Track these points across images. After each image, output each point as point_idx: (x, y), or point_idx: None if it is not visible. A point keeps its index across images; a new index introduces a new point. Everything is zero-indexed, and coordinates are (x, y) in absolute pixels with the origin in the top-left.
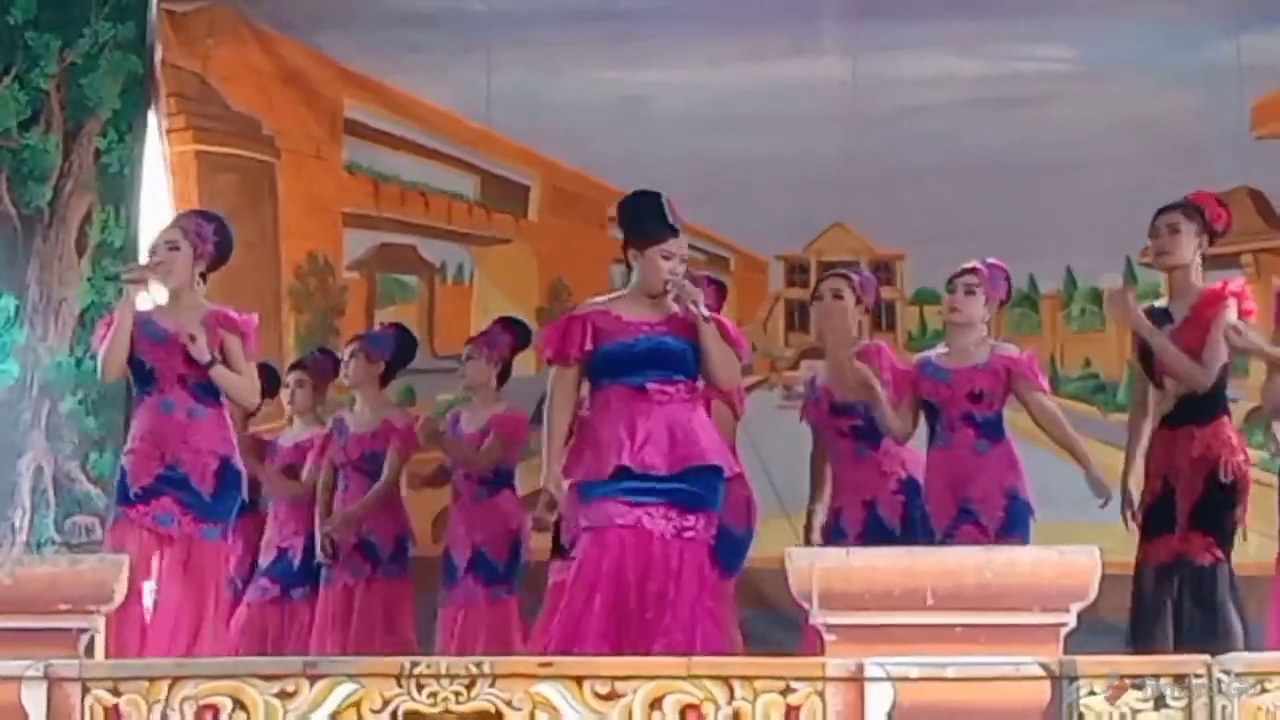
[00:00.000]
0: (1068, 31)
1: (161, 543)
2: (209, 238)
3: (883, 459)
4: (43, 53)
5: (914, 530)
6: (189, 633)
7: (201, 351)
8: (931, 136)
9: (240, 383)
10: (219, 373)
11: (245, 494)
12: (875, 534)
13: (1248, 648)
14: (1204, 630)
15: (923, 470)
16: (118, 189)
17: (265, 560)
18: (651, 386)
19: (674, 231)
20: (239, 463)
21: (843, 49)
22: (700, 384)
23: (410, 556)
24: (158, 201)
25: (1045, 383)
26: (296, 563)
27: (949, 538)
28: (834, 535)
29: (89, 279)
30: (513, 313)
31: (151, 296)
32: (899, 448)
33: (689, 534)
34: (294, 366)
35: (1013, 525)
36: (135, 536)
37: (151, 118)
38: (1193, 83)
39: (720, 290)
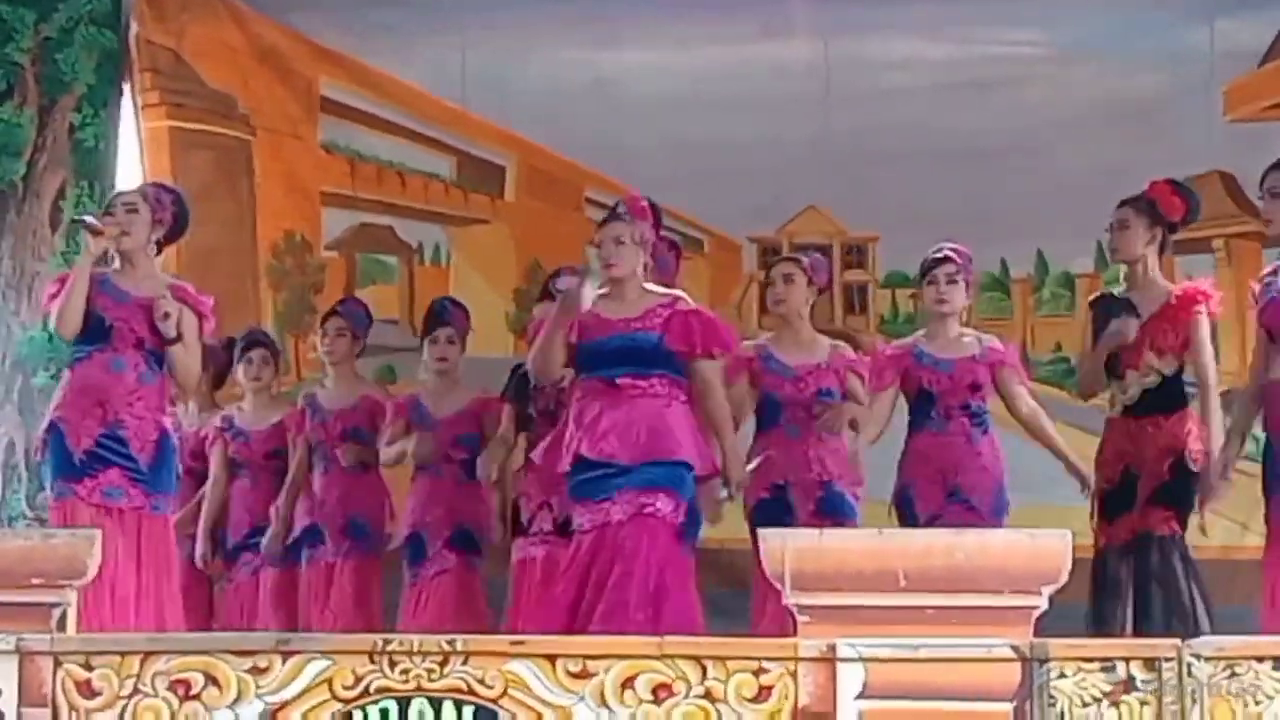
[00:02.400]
0: (1039, 14)
1: (111, 517)
2: (167, 205)
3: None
4: (17, 27)
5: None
6: (152, 609)
7: (170, 328)
8: (902, 119)
9: (189, 364)
10: (177, 352)
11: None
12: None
13: (1217, 630)
14: (1165, 607)
15: (844, 472)
16: (92, 164)
17: (237, 538)
18: (623, 380)
19: (608, 220)
20: (175, 437)
21: (813, 31)
22: (680, 378)
23: (385, 535)
24: (132, 177)
25: (1027, 376)
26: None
27: (934, 521)
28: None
29: (62, 253)
30: (490, 293)
31: (106, 257)
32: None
33: (649, 510)
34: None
35: (999, 514)
36: (85, 514)
37: (126, 93)
38: (1164, 66)
39: (675, 249)
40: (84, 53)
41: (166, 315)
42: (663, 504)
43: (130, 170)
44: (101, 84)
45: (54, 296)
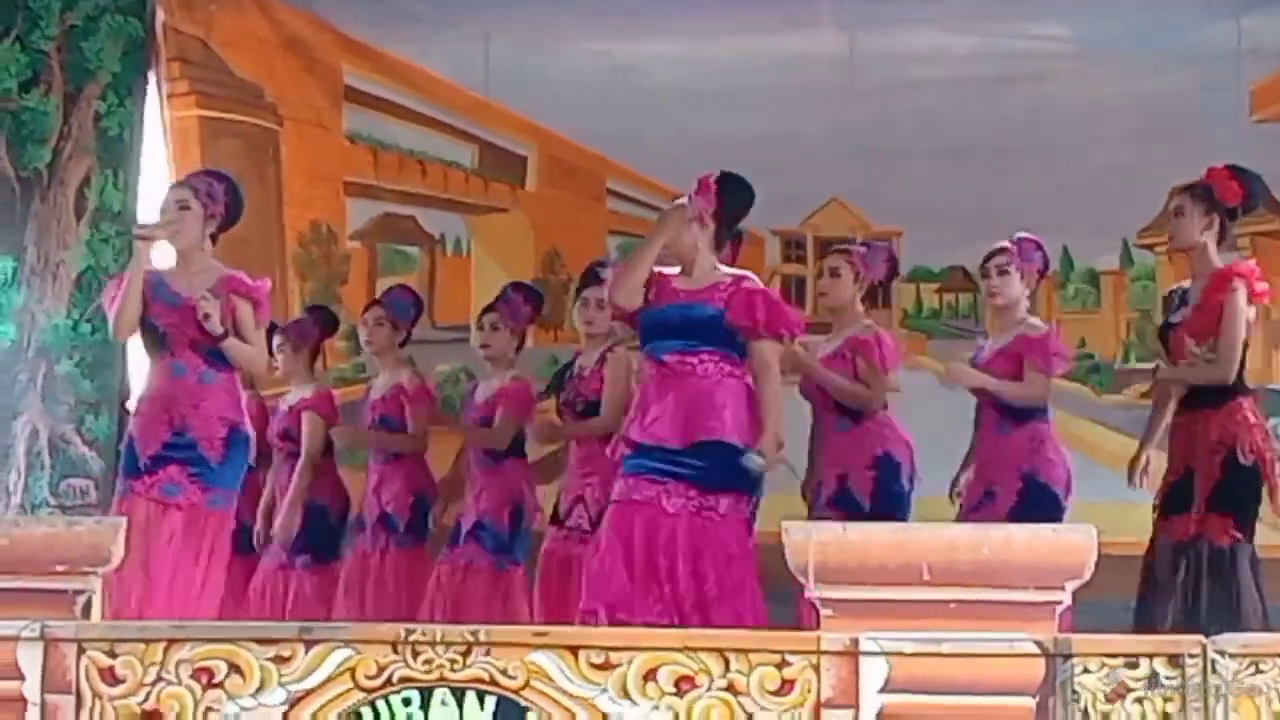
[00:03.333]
0: (1064, 10)
1: (168, 511)
2: (220, 198)
3: (863, 435)
4: (43, 14)
5: (886, 507)
6: (192, 600)
7: (215, 326)
8: (927, 113)
9: (251, 353)
10: (231, 344)
11: (250, 459)
12: (844, 508)
13: (1269, 629)
14: (1222, 610)
15: (906, 449)
16: (117, 152)
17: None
18: (670, 358)
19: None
20: (248, 428)
21: (838, 24)
22: (732, 354)
23: (430, 525)
24: (157, 166)
25: (1055, 363)
26: (295, 530)
27: (970, 515)
28: (811, 508)
29: (87, 242)
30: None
31: (160, 256)
32: (883, 425)
33: (708, 513)
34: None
35: (1029, 508)
36: (142, 509)
37: (151, 82)
38: (1190, 64)
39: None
40: (109, 41)
41: (207, 316)
42: (724, 505)
43: (155, 159)
44: (127, 72)
45: (113, 299)
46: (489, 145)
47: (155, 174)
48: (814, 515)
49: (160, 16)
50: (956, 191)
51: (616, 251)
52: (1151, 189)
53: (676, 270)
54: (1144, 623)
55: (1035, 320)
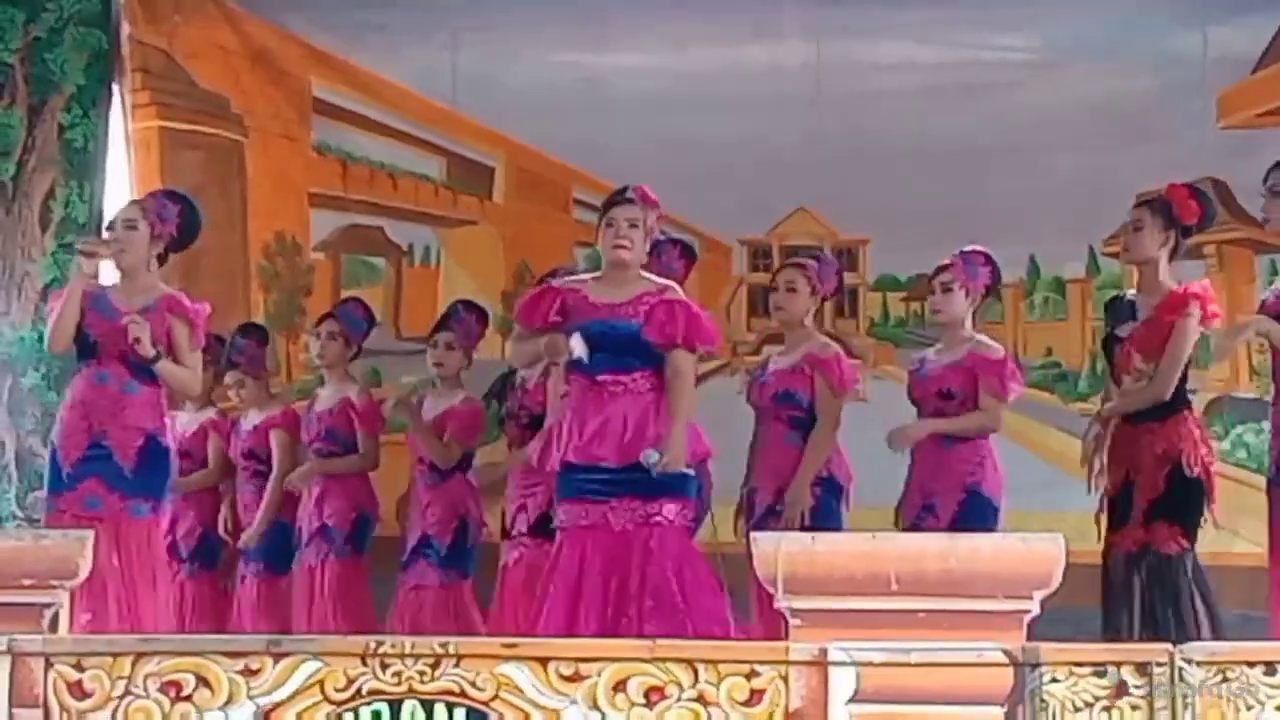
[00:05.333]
0: (1031, 18)
1: (91, 525)
2: (170, 219)
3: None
4: (6, 26)
5: (821, 526)
6: (138, 613)
7: (146, 349)
8: (894, 122)
9: (183, 375)
10: (164, 368)
11: (174, 470)
12: (780, 519)
13: (1220, 637)
14: (1170, 619)
15: (844, 470)
16: (81, 164)
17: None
18: (604, 377)
19: (620, 202)
20: (168, 440)
21: (804, 33)
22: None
23: (371, 537)
24: (121, 178)
25: (1011, 388)
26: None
27: (912, 529)
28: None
29: (52, 254)
30: (478, 295)
31: (106, 272)
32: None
33: (656, 519)
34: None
35: (969, 520)
36: (67, 524)
37: (116, 93)
38: (1157, 71)
39: (687, 256)
40: (73, 53)
41: (138, 341)
42: (669, 510)
43: (119, 171)
44: (91, 84)
45: (52, 310)
46: (457, 157)
47: (120, 186)
48: (750, 521)
49: (124, 28)
50: (923, 200)
51: (585, 262)
52: (1118, 197)
53: (586, 279)
54: (1111, 632)
55: (988, 340)
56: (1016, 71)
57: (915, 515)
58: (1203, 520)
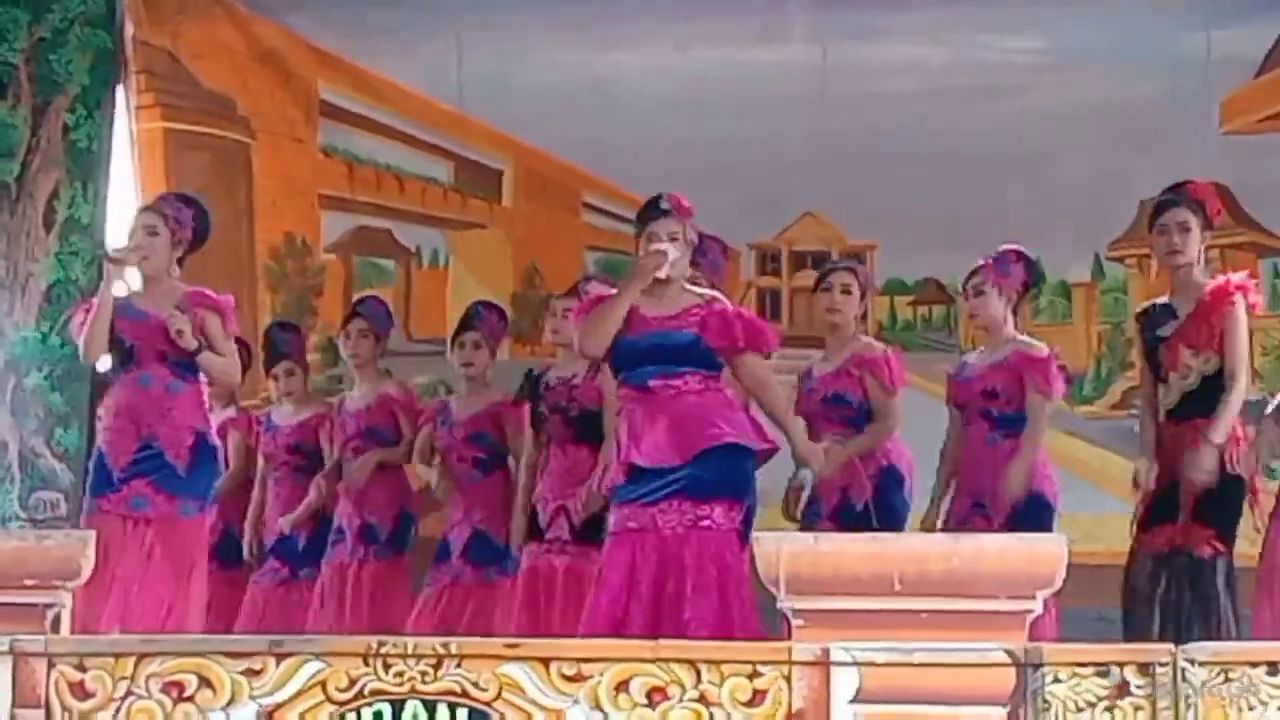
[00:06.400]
0: (1037, 21)
1: (139, 525)
2: (187, 223)
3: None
4: (11, 27)
5: (882, 517)
6: (171, 611)
7: (189, 340)
8: (900, 125)
9: (225, 364)
10: (206, 359)
11: (220, 470)
12: (846, 519)
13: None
14: (1200, 623)
15: (905, 460)
16: (86, 165)
17: (270, 540)
18: (655, 383)
19: (658, 215)
20: (215, 439)
21: (811, 35)
22: (722, 373)
23: (412, 537)
24: (125, 178)
25: (1057, 386)
26: (302, 543)
27: (961, 527)
28: (809, 516)
29: (56, 254)
30: (488, 298)
31: (127, 282)
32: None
33: (705, 524)
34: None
35: (1021, 519)
36: (111, 526)
37: (120, 94)
38: (1161, 75)
39: (727, 252)
40: (78, 53)
41: (180, 332)
42: (718, 514)
43: (124, 171)
44: (95, 85)
45: (81, 325)
46: (465, 160)
47: (124, 187)
48: (806, 527)
49: (129, 29)
50: (930, 203)
51: (594, 266)
52: (1122, 202)
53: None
54: (1133, 636)
55: (1033, 339)
56: (1022, 75)
57: (964, 514)
58: (1238, 521)
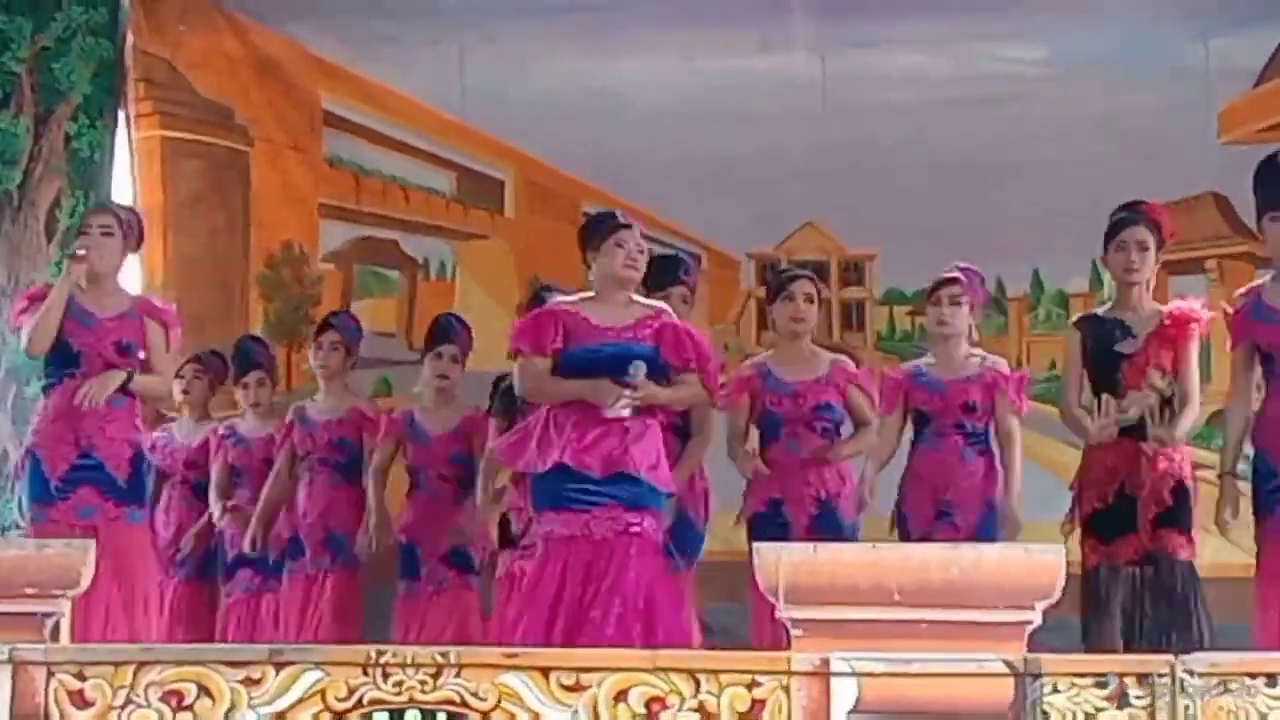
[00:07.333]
0: (1037, 31)
1: (86, 534)
2: (135, 230)
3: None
4: (14, 36)
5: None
6: (127, 617)
7: (102, 396)
8: (901, 135)
9: (154, 383)
10: (139, 382)
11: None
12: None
13: (1214, 647)
14: (1176, 627)
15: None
16: (88, 174)
17: (235, 552)
18: None
19: (626, 224)
20: (148, 452)
21: (813, 46)
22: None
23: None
24: (126, 187)
25: (1025, 405)
26: (273, 556)
27: (925, 539)
28: (772, 527)
29: (57, 263)
30: (493, 309)
31: (82, 283)
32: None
33: (635, 529)
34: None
35: (986, 531)
36: (60, 535)
37: (122, 103)
38: (1160, 85)
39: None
40: (80, 62)
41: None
42: (648, 523)
43: (126, 180)
44: (98, 94)
45: (23, 312)
46: (466, 171)
47: (125, 196)
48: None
49: (130, 38)
50: (931, 213)
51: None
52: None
53: (576, 298)
54: (1094, 643)
55: (996, 357)
56: (1022, 85)
57: (928, 524)
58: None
